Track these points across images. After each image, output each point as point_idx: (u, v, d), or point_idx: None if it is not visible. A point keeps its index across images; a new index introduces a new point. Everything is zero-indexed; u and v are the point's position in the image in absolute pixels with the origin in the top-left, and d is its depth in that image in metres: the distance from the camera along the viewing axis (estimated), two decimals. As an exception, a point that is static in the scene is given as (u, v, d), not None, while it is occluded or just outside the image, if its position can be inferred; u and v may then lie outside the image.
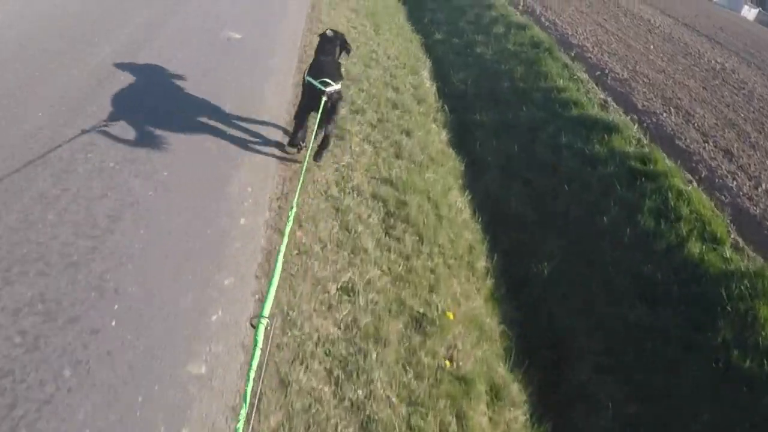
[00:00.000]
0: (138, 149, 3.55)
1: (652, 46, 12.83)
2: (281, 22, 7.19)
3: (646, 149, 6.29)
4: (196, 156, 3.73)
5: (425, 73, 7.67)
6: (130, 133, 3.68)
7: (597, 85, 8.24)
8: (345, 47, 4.26)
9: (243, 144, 4.08)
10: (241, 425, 1.31)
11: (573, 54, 9.72)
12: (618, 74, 9.31)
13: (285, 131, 4.47)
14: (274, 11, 7.51)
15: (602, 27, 13.26)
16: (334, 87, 3.77)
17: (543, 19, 11.74)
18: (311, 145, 3.41)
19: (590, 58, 9.77)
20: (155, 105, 4.16)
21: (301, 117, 4.08)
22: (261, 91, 4.98)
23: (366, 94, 5.67)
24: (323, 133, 3.96)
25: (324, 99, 3.64)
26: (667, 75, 10.49)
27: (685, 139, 7.56)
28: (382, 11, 9.66)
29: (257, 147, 4.14)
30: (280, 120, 4.64)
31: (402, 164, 4.67)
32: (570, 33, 11.08)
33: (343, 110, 4.78)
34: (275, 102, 4.89)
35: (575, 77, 7.97)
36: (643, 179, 5.67)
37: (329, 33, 4.27)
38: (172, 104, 4.27)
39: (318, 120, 3.56)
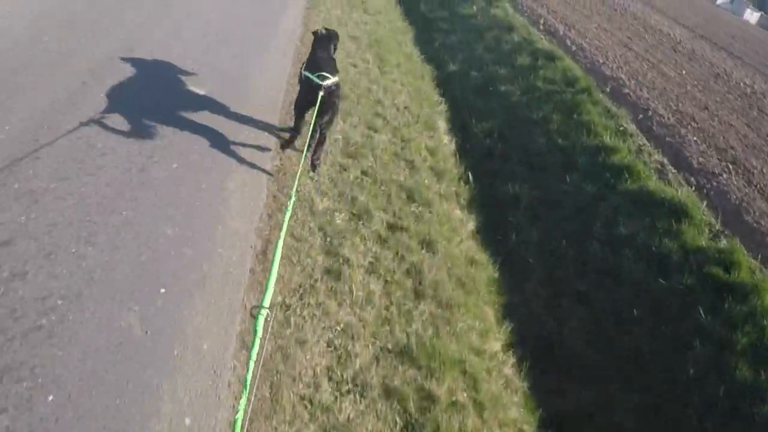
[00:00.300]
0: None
1: (684, 71, 11.45)
2: (263, 58, 5.70)
3: (723, 242, 4.92)
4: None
5: (442, 125, 6.24)
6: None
7: (646, 137, 6.83)
8: (334, 43, 4.39)
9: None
10: (240, 415, 1.33)
11: (609, 89, 8.33)
12: (663, 117, 7.91)
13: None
14: (257, 46, 6.01)
15: (630, 49, 11.83)
16: (332, 80, 3.77)
17: (568, 42, 10.30)
18: (305, 153, 3.45)
19: (629, 95, 8.35)
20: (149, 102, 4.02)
21: (299, 111, 4.09)
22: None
23: (371, 180, 4.23)
24: (318, 135, 3.90)
25: (321, 93, 3.63)
26: (711, 113, 9.11)
27: (754, 211, 6.20)
28: (386, 37, 8.18)
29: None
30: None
31: (424, 311, 3.25)
32: (601, 61, 9.65)
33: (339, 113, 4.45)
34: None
35: (621, 128, 6.56)
36: (729, 297, 4.31)
37: (323, 31, 4.38)
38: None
39: (315, 115, 3.59)
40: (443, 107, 6.76)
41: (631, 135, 6.48)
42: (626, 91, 8.54)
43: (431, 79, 7.74)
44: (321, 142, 3.97)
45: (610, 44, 11.50)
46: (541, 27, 11.00)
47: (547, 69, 7.96)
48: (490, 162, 6.10)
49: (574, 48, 10.06)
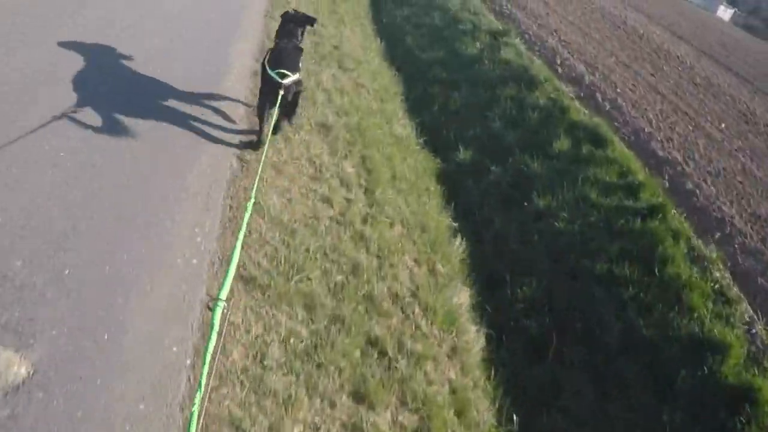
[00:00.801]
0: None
1: (723, 125, 9.46)
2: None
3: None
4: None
5: (465, 300, 3.89)
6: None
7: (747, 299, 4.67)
8: (309, 21, 4.14)
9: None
10: (196, 409, 1.32)
11: (667, 177, 6.23)
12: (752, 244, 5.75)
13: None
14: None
15: (659, 93, 9.73)
16: (292, 78, 3.63)
17: (600, 98, 8.02)
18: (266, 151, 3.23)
19: (696, 201, 6.10)
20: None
21: (261, 108, 3.88)
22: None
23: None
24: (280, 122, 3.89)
25: (281, 93, 3.53)
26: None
27: None
28: (372, 115, 5.67)
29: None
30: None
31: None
32: (646, 129, 7.44)
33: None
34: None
35: (727, 299, 4.37)
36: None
37: (291, 12, 4.20)
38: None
39: (276, 115, 3.57)
40: (462, 254, 4.38)
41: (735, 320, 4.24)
42: (689, 185, 6.37)
43: (436, 182, 5.34)
44: (279, 128, 3.94)
45: (641, 91, 9.33)
46: (560, 69, 8.70)
47: (596, 165, 5.67)
48: (543, 365, 3.81)
49: (608, 106, 7.81)
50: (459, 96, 7.13)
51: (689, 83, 12.08)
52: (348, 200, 4.00)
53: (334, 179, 4.14)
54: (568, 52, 10.00)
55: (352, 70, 6.34)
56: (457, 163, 5.79)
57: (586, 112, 6.97)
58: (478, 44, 8.55)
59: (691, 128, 8.48)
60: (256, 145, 3.95)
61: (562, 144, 6.00)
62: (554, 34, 11.21)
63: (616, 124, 7.29)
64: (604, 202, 5.17)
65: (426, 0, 11.08)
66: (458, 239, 4.53)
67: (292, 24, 4.02)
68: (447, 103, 7.01)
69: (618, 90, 8.76)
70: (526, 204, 5.15)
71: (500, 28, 9.34)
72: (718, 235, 5.58)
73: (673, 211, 5.25)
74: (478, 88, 7.28)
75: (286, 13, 4.15)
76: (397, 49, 8.63)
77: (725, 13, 46.33)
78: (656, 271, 4.41)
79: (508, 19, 11.21)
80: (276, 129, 3.87)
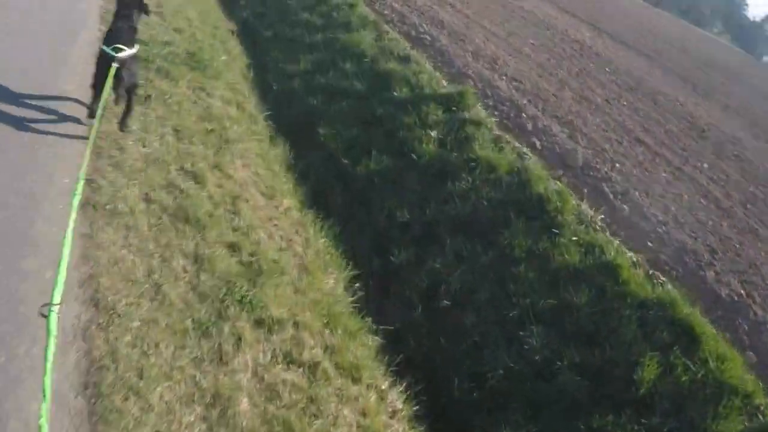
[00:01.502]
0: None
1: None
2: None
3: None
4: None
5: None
6: None
7: None
8: (143, 8, 4.19)
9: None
10: (44, 420, 1.33)
11: None
12: None
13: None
14: None
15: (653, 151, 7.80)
16: (128, 52, 3.74)
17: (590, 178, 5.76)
18: (98, 113, 3.45)
19: None
20: None
21: (97, 85, 3.82)
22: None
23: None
24: (126, 100, 3.91)
25: (115, 65, 3.60)
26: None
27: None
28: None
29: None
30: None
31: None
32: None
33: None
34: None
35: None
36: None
37: None
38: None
39: (109, 87, 3.57)
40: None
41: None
42: None
43: None
44: (129, 107, 4.00)
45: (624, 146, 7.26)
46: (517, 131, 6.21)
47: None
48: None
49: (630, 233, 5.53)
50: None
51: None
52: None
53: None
54: (522, 97, 7.59)
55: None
56: None
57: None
58: (433, 134, 5.77)
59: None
60: (90, 115, 3.88)
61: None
62: (495, 65, 8.71)
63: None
64: None
65: (322, 37, 7.93)
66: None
67: (127, 8, 4.14)
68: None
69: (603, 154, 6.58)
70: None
71: (451, 91, 6.55)
72: None
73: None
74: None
75: None
76: (312, 163, 5.59)
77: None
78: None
79: (432, 50, 8.44)
80: (122, 123, 3.99)
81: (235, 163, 4.48)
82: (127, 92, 3.89)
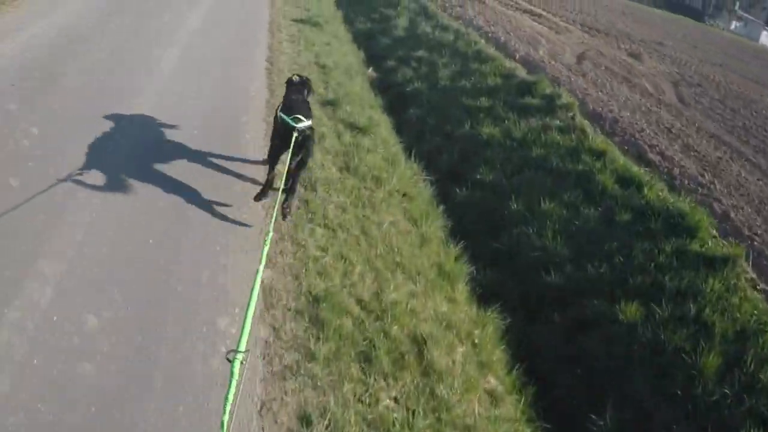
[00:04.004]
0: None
1: None
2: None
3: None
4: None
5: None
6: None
7: None
8: (310, 90, 4.61)
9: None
10: None
11: None
12: None
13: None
14: None
15: None
16: (306, 123, 3.83)
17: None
18: (280, 194, 3.56)
19: None
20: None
21: (273, 156, 4.09)
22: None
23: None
24: (291, 182, 3.90)
25: (295, 134, 3.69)
26: None
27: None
28: None
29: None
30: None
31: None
32: None
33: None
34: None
35: None
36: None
37: (296, 78, 4.60)
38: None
39: (289, 158, 3.62)
40: None
41: None
42: None
43: None
44: (293, 190, 3.94)
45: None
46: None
47: None
48: None
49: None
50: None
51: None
52: None
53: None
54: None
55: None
56: None
57: None
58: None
59: None
60: (263, 192, 4.07)
61: None
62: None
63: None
64: None
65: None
66: None
67: (298, 85, 4.46)
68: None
69: None
70: None
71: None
72: None
73: None
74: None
75: (291, 79, 4.62)
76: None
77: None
78: None
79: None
80: (285, 207, 3.90)
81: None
82: (298, 168, 3.87)
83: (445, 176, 7.02)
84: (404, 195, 5.74)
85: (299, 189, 4.16)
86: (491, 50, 11.08)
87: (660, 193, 6.67)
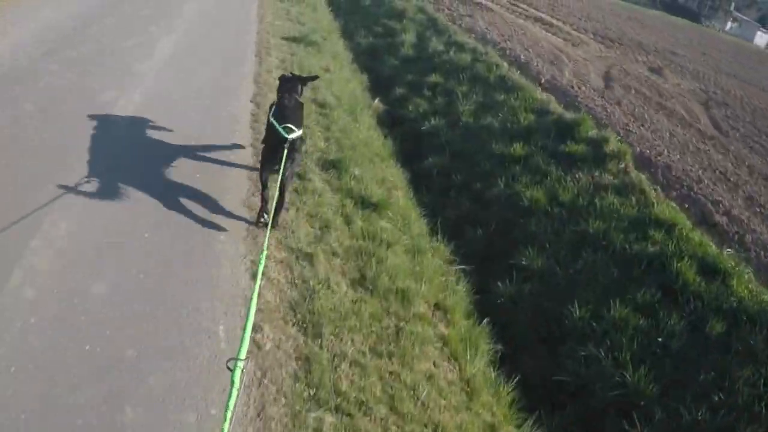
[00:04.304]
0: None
1: None
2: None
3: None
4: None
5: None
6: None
7: None
8: (306, 82, 4.55)
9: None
10: None
11: None
12: None
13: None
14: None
15: None
16: (296, 133, 3.82)
17: None
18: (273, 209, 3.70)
19: None
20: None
21: (265, 169, 4.03)
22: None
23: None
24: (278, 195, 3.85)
25: (286, 146, 3.69)
26: None
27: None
28: None
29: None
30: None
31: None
32: None
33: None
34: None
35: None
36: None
37: (288, 75, 4.72)
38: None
39: (282, 168, 3.59)
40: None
41: None
42: None
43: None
44: (280, 203, 3.89)
45: None
46: None
47: None
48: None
49: None
50: None
51: None
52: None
53: None
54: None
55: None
56: None
57: None
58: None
59: None
60: (260, 213, 4.02)
61: None
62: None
63: None
64: None
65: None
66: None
67: (290, 82, 4.43)
68: None
69: None
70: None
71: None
72: None
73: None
74: None
75: (283, 76, 4.73)
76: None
77: (762, 38, 46.85)
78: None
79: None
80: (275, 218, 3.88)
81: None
82: (286, 178, 3.77)
83: (480, 257, 5.54)
84: (437, 307, 4.26)
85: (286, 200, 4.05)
86: (516, 75, 9.60)
87: (749, 286, 5.27)
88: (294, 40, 9.23)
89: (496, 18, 16.23)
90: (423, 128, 7.75)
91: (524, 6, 21.24)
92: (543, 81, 10.26)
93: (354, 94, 8.27)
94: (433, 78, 9.31)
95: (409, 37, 11.30)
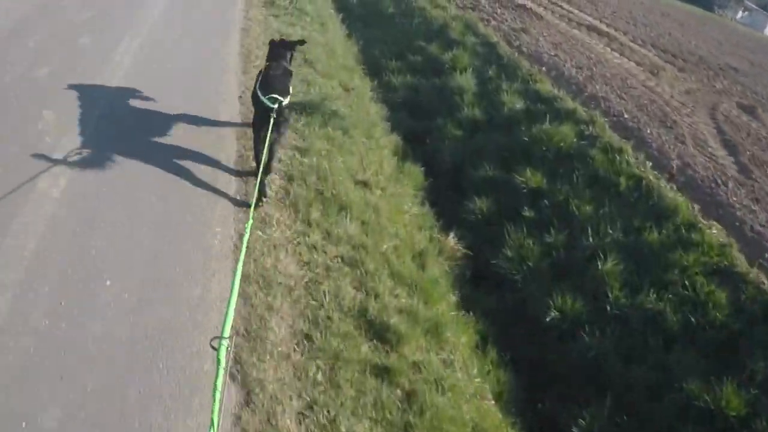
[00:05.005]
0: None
1: None
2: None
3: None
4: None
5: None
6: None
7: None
8: (295, 47, 4.42)
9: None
10: None
11: None
12: None
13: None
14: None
15: None
16: (282, 101, 3.77)
17: None
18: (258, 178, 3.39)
19: None
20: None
21: (258, 142, 3.90)
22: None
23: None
24: (267, 160, 3.75)
25: (273, 116, 3.63)
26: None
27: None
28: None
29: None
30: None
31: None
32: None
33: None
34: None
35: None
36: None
37: (277, 39, 4.53)
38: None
39: (268, 138, 3.57)
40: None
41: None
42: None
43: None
44: (268, 168, 3.85)
45: None
46: None
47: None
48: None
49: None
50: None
51: None
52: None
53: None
54: None
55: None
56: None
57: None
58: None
59: None
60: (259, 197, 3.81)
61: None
62: None
63: None
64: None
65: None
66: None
67: (281, 48, 4.28)
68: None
69: None
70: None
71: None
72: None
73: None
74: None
75: (273, 40, 4.51)
76: None
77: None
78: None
79: None
80: (266, 169, 3.77)
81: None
82: (274, 145, 3.76)
83: None
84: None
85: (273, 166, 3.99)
86: (648, 171, 6.11)
87: None
88: (302, 110, 5.47)
89: (552, 31, 12.52)
90: (546, 317, 4.26)
91: (566, 6, 17.46)
92: (674, 169, 6.80)
93: (403, 214, 4.72)
94: (528, 175, 5.76)
95: (468, 82, 7.62)
